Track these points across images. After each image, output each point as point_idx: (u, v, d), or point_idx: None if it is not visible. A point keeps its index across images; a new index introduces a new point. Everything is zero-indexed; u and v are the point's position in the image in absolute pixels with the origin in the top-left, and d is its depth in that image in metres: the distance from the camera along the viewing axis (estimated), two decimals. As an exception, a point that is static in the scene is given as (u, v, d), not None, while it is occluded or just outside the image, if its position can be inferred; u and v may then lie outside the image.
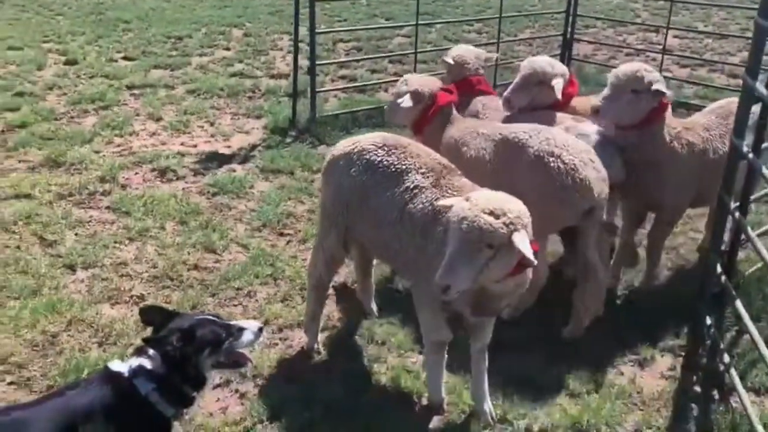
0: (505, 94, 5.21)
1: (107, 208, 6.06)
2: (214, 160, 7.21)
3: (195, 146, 7.56)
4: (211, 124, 8.22)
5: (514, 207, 3.23)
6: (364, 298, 4.70)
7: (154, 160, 7.04)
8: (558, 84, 5.06)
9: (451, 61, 5.67)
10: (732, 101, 5.21)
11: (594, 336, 4.65)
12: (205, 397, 3.59)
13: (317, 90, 8.21)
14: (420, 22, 8.77)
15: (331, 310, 4.75)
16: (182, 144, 7.60)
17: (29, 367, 4.05)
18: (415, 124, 5.08)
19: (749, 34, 11.26)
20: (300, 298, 4.86)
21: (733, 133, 4.44)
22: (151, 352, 2.83)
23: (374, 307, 4.72)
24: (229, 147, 7.59)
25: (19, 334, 4.31)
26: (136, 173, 6.81)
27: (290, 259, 5.36)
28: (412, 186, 3.78)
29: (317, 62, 8.20)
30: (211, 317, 3.00)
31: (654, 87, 4.41)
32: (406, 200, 3.77)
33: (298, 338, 4.46)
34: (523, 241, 3.15)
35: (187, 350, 2.80)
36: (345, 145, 4.11)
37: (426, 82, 5.11)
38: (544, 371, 4.28)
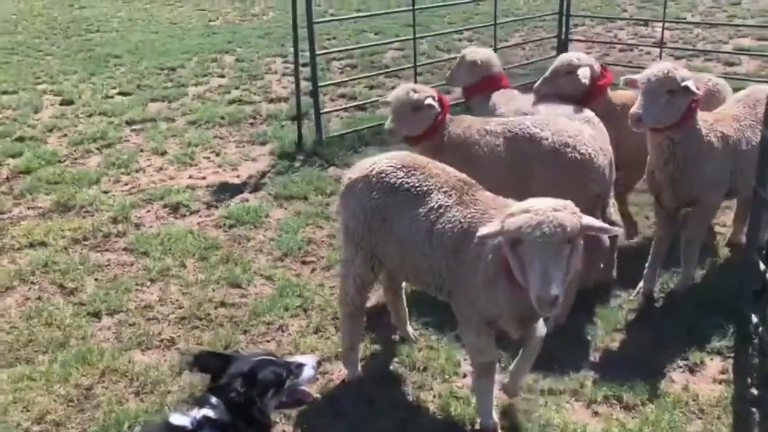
0: (536, 85, 5.53)
1: (124, 249, 5.94)
2: (225, 190, 7.11)
3: (204, 178, 7.45)
4: (217, 154, 8.12)
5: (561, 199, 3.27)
6: (399, 323, 4.59)
7: (164, 196, 6.93)
8: (584, 72, 5.22)
9: (480, 62, 5.82)
10: (757, 89, 5.17)
11: (638, 343, 4.56)
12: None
13: (321, 111, 8.11)
14: (416, 35, 8.68)
15: (366, 338, 4.63)
16: (190, 177, 7.49)
17: (67, 425, 3.92)
18: (427, 133, 4.96)
19: (737, 21, 10.99)
20: (333, 328, 4.75)
21: (763, 125, 4.39)
22: (213, 400, 2.71)
23: (410, 330, 4.62)
24: (238, 176, 7.48)
25: (51, 389, 4.18)
26: (148, 211, 6.70)
27: (318, 287, 5.25)
28: (436, 206, 3.72)
29: (319, 84, 8.10)
30: (268, 356, 2.90)
31: (684, 84, 4.34)
32: (432, 221, 3.70)
33: (337, 371, 4.34)
34: (594, 221, 3.27)
35: (251, 394, 2.70)
36: (362, 167, 4.02)
37: (425, 87, 5.14)
38: (594, 382, 4.18)
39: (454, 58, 10.07)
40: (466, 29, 13.32)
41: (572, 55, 5.61)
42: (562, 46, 9.63)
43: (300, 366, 2.91)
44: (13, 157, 8.14)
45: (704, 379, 4.23)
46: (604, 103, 5.41)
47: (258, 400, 2.73)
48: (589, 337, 4.59)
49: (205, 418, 2.67)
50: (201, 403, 2.73)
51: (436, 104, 4.88)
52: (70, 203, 6.79)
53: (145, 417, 3.87)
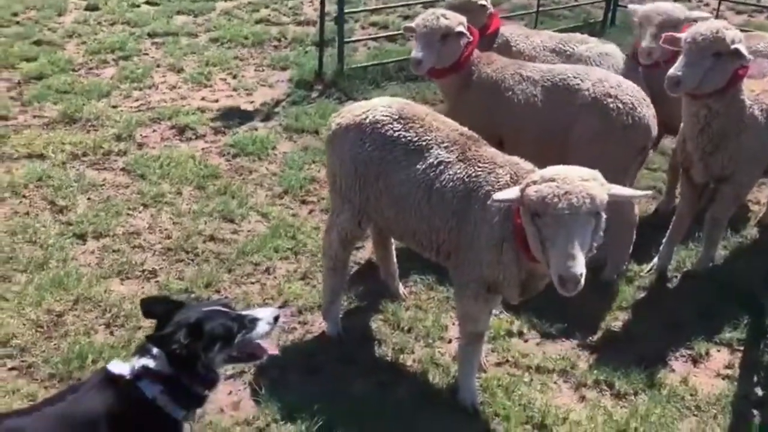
0: (643, 44, 4.72)
1: (122, 169, 5.73)
2: (236, 116, 6.81)
3: (216, 101, 7.15)
4: (234, 77, 7.78)
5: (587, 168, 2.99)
6: (389, 280, 4.34)
7: (173, 116, 6.66)
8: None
9: (484, 1, 5.26)
10: None
11: (642, 325, 4.27)
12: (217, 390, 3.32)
13: (345, 40, 7.68)
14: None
15: (353, 291, 4.40)
16: (203, 98, 7.20)
17: (32, 351, 3.80)
18: (455, 65, 4.59)
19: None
20: (321, 276, 4.51)
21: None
22: (154, 350, 2.55)
23: (400, 287, 4.37)
24: (251, 102, 7.17)
25: (22, 312, 4.06)
26: (154, 130, 6.46)
27: (312, 230, 5.00)
28: (436, 162, 3.43)
29: (345, 9, 7.64)
30: (220, 307, 2.69)
31: (733, 47, 3.84)
32: (432, 178, 3.41)
33: (319, 322, 4.14)
34: (622, 189, 3.06)
35: (195, 347, 2.52)
36: (354, 113, 3.68)
37: (457, 14, 4.67)
38: (587, 364, 3.92)
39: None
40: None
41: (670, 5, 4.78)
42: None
43: (254, 320, 2.69)
44: (28, 61, 7.89)
45: (707, 372, 3.94)
46: None
47: (203, 353, 2.55)
48: (590, 314, 4.28)
49: (145, 368, 2.52)
50: (142, 352, 2.58)
51: (467, 32, 4.48)
52: (77, 115, 6.57)
53: (110, 352, 3.72)
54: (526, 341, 4.11)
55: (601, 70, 4.41)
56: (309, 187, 5.58)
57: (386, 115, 3.55)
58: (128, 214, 5.11)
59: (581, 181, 2.84)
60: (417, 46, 4.57)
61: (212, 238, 4.87)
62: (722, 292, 4.45)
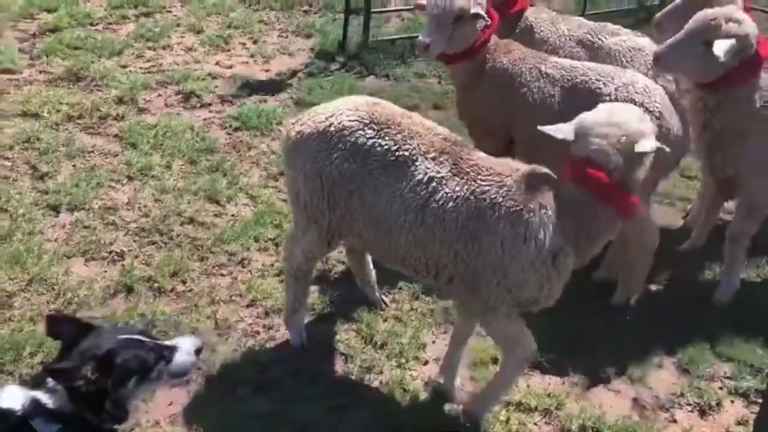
0: (657, 16, 4.36)
1: (115, 136, 5.42)
2: (247, 86, 6.42)
3: (230, 67, 6.77)
4: (254, 42, 7.37)
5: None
6: (366, 288, 3.92)
7: (181, 81, 6.31)
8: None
9: None
10: None
11: (647, 361, 3.76)
12: (156, 395, 3.02)
13: (373, 10, 7.17)
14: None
15: (327, 295, 4.00)
16: (217, 63, 6.82)
17: (-29, 335, 3.55)
18: (468, 51, 4.07)
19: None
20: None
21: None
22: (51, 383, 2.21)
23: (378, 295, 3.94)
24: (267, 71, 6.76)
25: (-29, 290, 3.81)
26: (159, 95, 6.12)
27: (300, 220, 4.61)
28: (425, 178, 2.96)
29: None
30: (135, 336, 2.37)
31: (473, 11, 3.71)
32: (424, 197, 2.95)
33: (285, 329, 3.77)
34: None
35: (104, 383, 2.21)
36: (315, 119, 3.19)
37: None
38: (576, 404, 3.46)
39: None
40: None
41: None
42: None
43: (173, 350, 2.40)
44: (48, 12, 7.65)
45: (715, 426, 3.43)
46: None
47: (114, 390, 2.24)
48: (589, 343, 3.80)
49: (37, 404, 2.19)
50: (37, 383, 2.25)
51: (485, 14, 3.93)
52: (83, 73, 6.28)
53: (51, 345, 3.42)
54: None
55: (631, 73, 3.82)
56: (307, 169, 5.17)
57: (354, 120, 3.08)
58: (110, 186, 4.81)
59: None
60: (427, 27, 4.07)
61: (191, 221, 4.53)
62: (746, 330, 3.90)
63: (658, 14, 4.38)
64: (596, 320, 3.95)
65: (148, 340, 2.39)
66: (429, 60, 4.40)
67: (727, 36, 3.48)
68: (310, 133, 3.14)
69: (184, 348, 2.43)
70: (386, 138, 3.02)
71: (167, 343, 2.44)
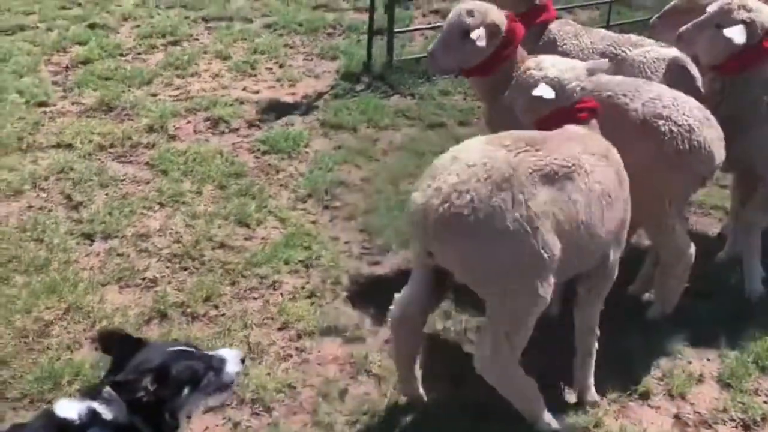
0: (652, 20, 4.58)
1: (146, 164, 5.51)
2: (274, 109, 6.48)
3: (257, 92, 6.85)
4: (280, 66, 7.45)
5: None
6: (409, 386, 3.55)
7: (210, 107, 6.40)
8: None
9: None
10: None
11: (688, 372, 3.68)
12: (191, 421, 3.02)
13: (396, 30, 7.21)
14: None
15: (360, 315, 3.98)
16: (244, 89, 6.91)
17: (10, 365, 3.60)
18: (482, 68, 4.05)
19: None
20: (330, 295, 4.18)
21: None
22: (107, 393, 2.29)
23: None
24: (293, 94, 6.82)
25: (11, 319, 3.87)
26: (188, 122, 6.21)
27: (330, 241, 4.63)
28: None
29: (400, -3, 7.18)
30: (186, 347, 2.51)
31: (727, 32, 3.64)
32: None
33: (317, 351, 3.77)
34: None
35: (162, 393, 2.30)
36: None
37: (491, 9, 4.05)
38: (616, 422, 3.38)
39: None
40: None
41: None
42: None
43: (222, 360, 2.50)
44: (80, 44, 7.84)
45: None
46: None
47: (169, 401, 2.34)
48: (626, 361, 3.73)
49: (95, 414, 2.26)
50: (93, 394, 2.34)
51: (483, 41, 3.87)
52: (114, 103, 6.41)
53: (89, 373, 3.47)
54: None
55: (658, 87, 3.75)
56: (335, 190, 5.20)
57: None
58: (142, 214, 4.88)
59: None
60: (436, 39, 4.11)
61: (222, 245, 4.57)
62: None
63: (654, 17, 4.55)
64: (632, 335, 3.88)
65: (196, 351, 2.49)
66: (438, 73, 4.39)
67: (737, 21, 3.67)
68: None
69: (231, 358, 2.52)
70: None
71: (215, 353, 2.53)
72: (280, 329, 3.91)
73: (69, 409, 2.29)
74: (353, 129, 6.10)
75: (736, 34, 3.67)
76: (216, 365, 2.48)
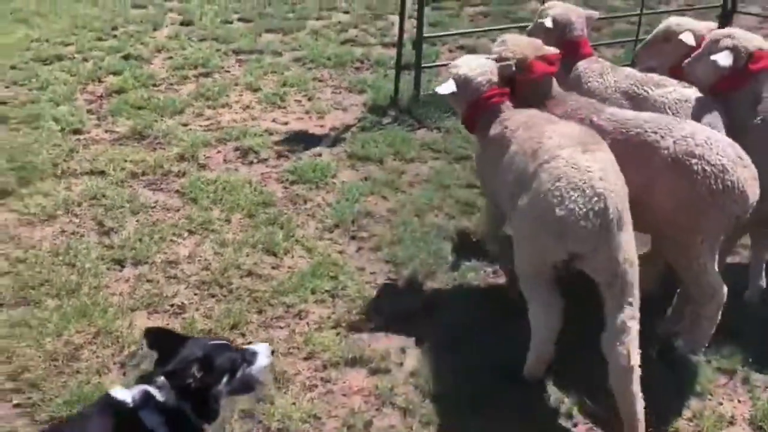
0: (636, 48, 5.19)
1: (176, 192, 5.60)
2: (303, 140, 6.58)
3: (286, 123, 6.96)
4: (309, 99, 7.58)
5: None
6: None
7: (240, 137, 6.52)
8: (686, 37, 4.49)
9: (551, 24, 4.72)
10: None
11: (719, 414, 3.61)
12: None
13: (424, 65, 7.31)
14: (550, -12, 7.55)
15: (386, 346, 3.98)
16: (273, 120, 7.02)
17: (40, 387, 3.63)
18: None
19: None
20: (356, 325, 4.17)
21: None
22: (160, 380, 2.58)
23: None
24: (321, 126, 6.93)
25: (42, 342, 3.92)
26: (219, 152, 6.32)
27: (356, 271, 4.66)
28: None
29: (429, 33, 7.29)
30: (223, 342, 2.82)
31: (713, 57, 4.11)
32: None
33: (343, 381, 3.77)
34: None
35: (207, 381, 2.59)
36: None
37: (520, 43, 4.34)
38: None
39: (602, 18, 8.88)
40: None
41: (674, 19, 4.82)
42: (726, 18, 8.09)
43: (254, 354, 2.81)
44: (115, 74, 8.05)
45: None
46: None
47: (212, 386, 2.63)
48: (650, 393, 3.67)
49: (148, 396, 2.55)
50: (146, 381, 2.63)
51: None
52: (146, 132, 6.56)
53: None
54: (575, 425, 3.57)
55: (692, 125, 3.75)
56: (362, 221, 5.24)
57: None
58: (172, 241, 4.94)
59: None
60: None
61: (250, 273, 4.61)
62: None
63: (638, 47, 5.12)
64: (662, 373, 3.82)
65: (231, 344, 2.81)
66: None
67: (723, 48, 4.11)
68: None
69: (261, 351, 2.81)
70: None
71: (247, 347, 2.85)
72: (305, 359, 3.92)
73: (124, 393, 2.58)
74: (380, 161, 6.16)
75: (721, 58, 4.08)
76: (249, 358, 2.77)
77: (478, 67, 4.16)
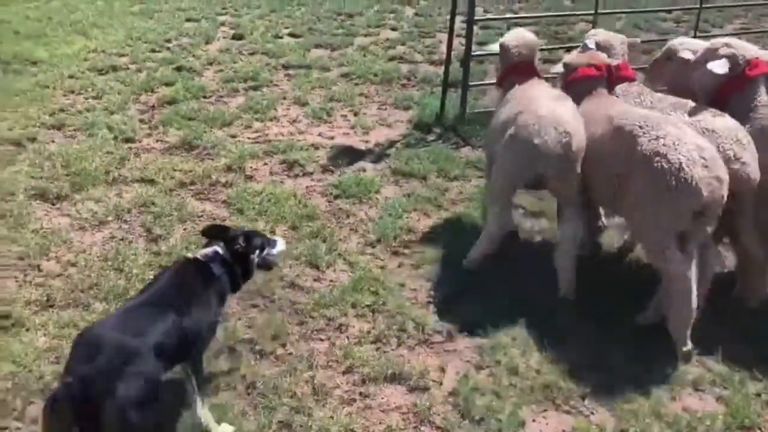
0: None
1: (223, 202, 5.70)
2: (347, 155, 6.65)
3: (332, 138, 7.04)
4: (355, 114, 7.66)
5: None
6: None
7: (286, 150, 6.62)
8: (685, 53, 4.70)
9: (594, 47, 5.00)
10: None
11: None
12: None
13: (470, 84, 7.33)
14: (601, 10, 7.54)
15: (424, 365, 3.97)
16: (319, 134, 7.11)
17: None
18: None
19: None
20: (395, 341, 4.17)
21: None
22: (220, 244, 3.59)
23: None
24: (366, 142, 6.99)
25: (88, 344, 4.01)
26: (265, 164, 6.42)
27: (397, 287, 4.66)
28: None
29: (474, 52, 7.32)
30: (256, 231, 4.00)
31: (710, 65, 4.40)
32: None
33: (381, 397, 3.76)
34: None
35: (248, 248, 3.66)
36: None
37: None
38: None
39: (652, 40, 8.81)
40: (674, 9, 11.57)
41: (681, 39, 5.08)
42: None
43: (275, 242, 3.89)
44: (167, 85, 8.27)
45: None
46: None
47: (251, 253, 3.69)
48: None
49: (217, 253, 3.59)
50: (211, 245, 3.64)
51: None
52: (195, 143, 6.70)
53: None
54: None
55: (679, 129, 4.00)
56: (404, 237, 5.25)
57: None
58: (217, 250, 5.02)
59: None
60: None
61: (292, 285, 4.66)
62: None
63: (649, 65, 5.27)
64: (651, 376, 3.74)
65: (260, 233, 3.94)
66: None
67: (720, 57, 4.36)
68: None
69: (279, 241, 3.92)
70: None
71: (271, 237, 3.96)
72: (344, 372, 3.93)
73: (195, 253, 3.67)
74: (423, 178, 6.18)
75: (717, 66, 4.33)
76: (271, 242, 3.87)
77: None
